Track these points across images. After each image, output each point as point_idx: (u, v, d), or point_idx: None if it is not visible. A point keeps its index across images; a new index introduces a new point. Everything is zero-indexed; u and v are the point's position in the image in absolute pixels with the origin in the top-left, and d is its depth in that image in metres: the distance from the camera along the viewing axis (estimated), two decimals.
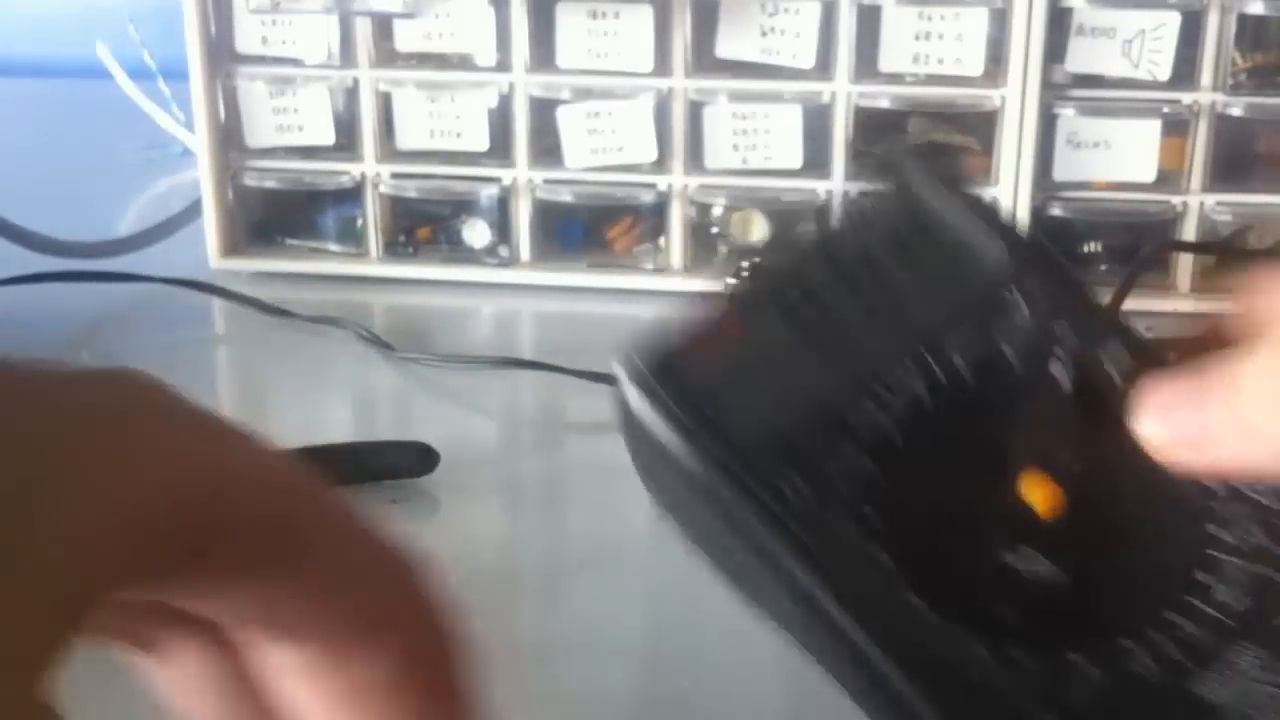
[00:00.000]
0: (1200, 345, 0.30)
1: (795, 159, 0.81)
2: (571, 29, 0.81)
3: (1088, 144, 0.79)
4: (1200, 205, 0.79)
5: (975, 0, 0.78)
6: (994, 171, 0.79)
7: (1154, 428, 0.26)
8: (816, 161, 0.81)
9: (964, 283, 0.29)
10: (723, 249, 0.85)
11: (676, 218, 0.83)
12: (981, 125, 0.80)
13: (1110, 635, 0.26)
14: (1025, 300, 0.29)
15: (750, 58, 0.81)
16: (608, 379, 0.71)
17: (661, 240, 0.84)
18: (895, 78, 0.80)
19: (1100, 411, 0.28)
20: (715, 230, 0.84)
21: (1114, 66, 0.78)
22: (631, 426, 0.30)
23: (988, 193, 0.80)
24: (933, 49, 0.79)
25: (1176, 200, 0.79)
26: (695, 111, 0.81)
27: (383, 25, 0.83)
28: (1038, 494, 0.26)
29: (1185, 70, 0.77)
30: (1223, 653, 0.26)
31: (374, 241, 0.86)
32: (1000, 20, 0.78)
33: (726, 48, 0.81)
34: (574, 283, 0.84)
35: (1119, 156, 0.79)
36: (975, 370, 0.28)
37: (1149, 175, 0.79)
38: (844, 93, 0.80)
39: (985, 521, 0.27)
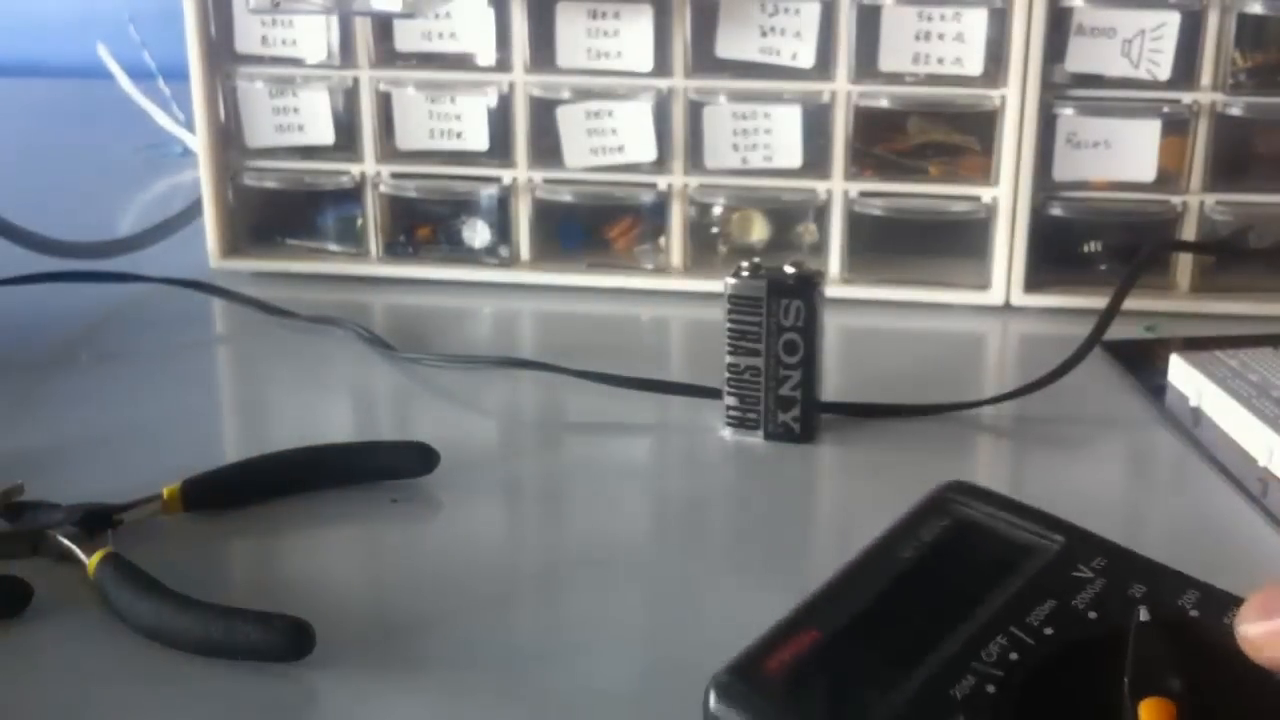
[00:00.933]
0: None
1: (795, 159, 0.81)
2: (571, 29, 0.81)
3: (1088, 144, 0.79)
4: (1200, 205, 0.79)
5: (975, 0, 0.78)
6: (994, 171, 0.79)
7: (1255, 627, 0.29)
8: (816, 161, 0.81)
9: (1031, 572, 0.33)
10: (723, 249, 0.84)
11: (676, 218, 0.83)
12: (981, 125, 0.80)
13: None
14: (1094, 571, 0.33)
15: (750, 58, 0.81)
16: (608, 379, 0.71)
17: (661, 240, 0.84)
18: (895, 78, 0.80)
19: (1194, 641, 0.31)
20: (715, 230, 0.84)
21: (1114, 66, 0.78)
22: None
23: (987, 193, 0.80)
24: (933, 49, 0.79)
25: (1176, 200, 0.79)
26: (695, 111, 0.81)
27: (383, 25, 0.83)
28: (1157, 714, 0.29)
29: (1185, 70, 0.77)
30: None
31: (374, 241, 0.86)
32: (1000, 20, 0.78)
33: (726, 48, 0.81)
34: (574, 283, 0.84)
35: (1119, 156, 0.79)
36: (1061, 630, 0.32)
37: (1149, 175, 0.79)
38: (844, 93, 0.80)
39: None
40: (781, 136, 0.81)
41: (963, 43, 0.78)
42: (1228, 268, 0.82)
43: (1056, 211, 0.80)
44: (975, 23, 0.78)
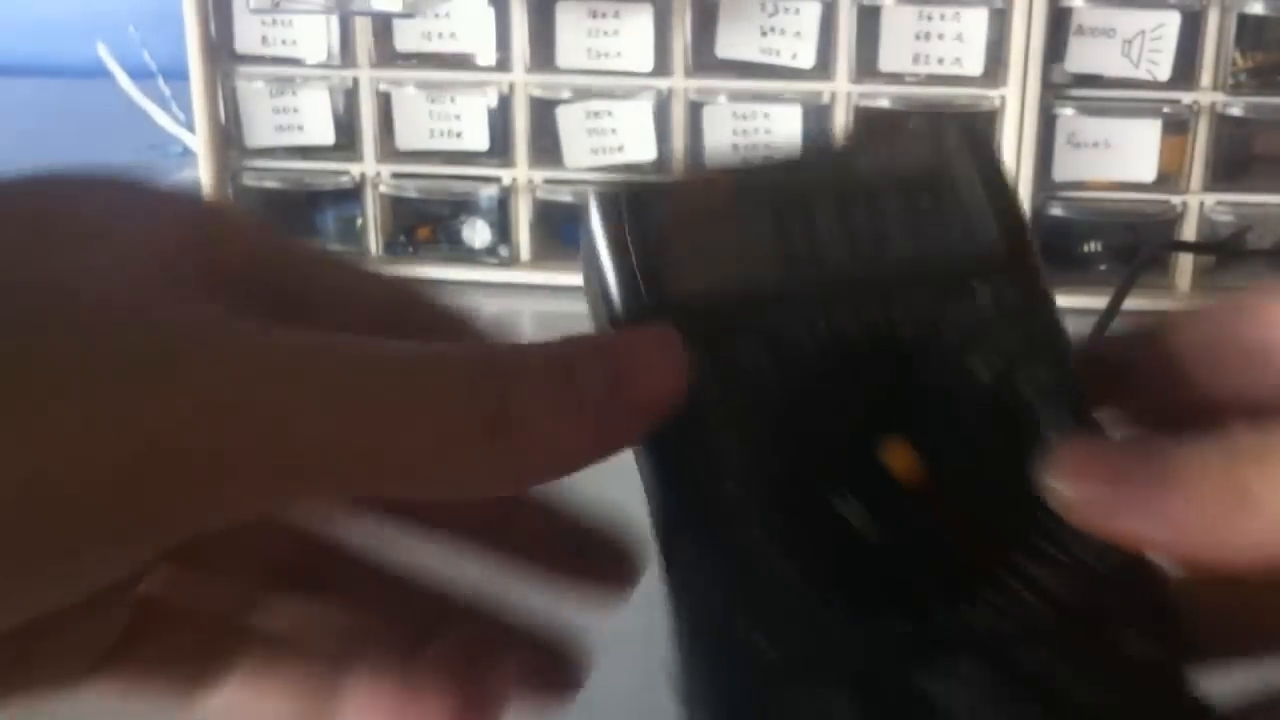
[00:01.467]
0: (1138, 353, 0.29)
1: None
2: (571, 29, 0.81)
3: (1088, 144, 0.79)
4: (1200, 205, 0.79)
5: (975, 0, 0.78)
6: None
7: (1066, 487, 0.25)
8: None
9: (945, 250, 0.29)
10: None
11: None
12: (981, 125, 0.80)
13: (902, 608, 0.26)
14: (990, 297, 0.28)
15: (750, 58, 0.81)
16: None
17: None
18: (895, 78, 0.80)
19: (1001, 425, 0.27)
20: None
21: (1114, 66, 0.78)
22: (587, 247, 0.29)
23: None
24: (933, 49, 0.79)
25: (1176, 200, 0.79)
26: (695, 111, 0.81)
27: (383, 25, 0.83)
28: (900, 462, 0.27)
29: (1185, 70, 0.77)
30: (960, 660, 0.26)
31: (374, 241, 0.86)
32: (1000, 20, 0.78)
33: (726, 48, 0.81)
34: (574, 283, 0.83)
35: (1119, 156, 0.79)
36: (905, 329, 0.28)
37: (1149, 175, 0.79)
38: (844, 93, 0.80)
39: (837, 464, 0.27)
40: (781, 136, 0.81)
41: (963, 43, 0.78)
42: (1228, 268, 0.82)
43: (1056, 212, 0.80)
44: (975, 23, 0.78)
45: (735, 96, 0.81)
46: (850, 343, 0.27)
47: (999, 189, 0.29)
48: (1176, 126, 0.78)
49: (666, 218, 0.28)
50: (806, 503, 0.26)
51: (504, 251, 0.85)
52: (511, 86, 0.82)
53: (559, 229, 0.86)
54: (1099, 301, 0.71)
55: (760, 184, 0.29)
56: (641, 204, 0.28)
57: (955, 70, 0.79)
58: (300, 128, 0.85)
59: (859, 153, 0.30)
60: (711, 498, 0.26)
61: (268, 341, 0.21)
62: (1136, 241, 0.79)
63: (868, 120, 0.79)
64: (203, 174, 0.86)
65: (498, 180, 0.84)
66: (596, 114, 0.82)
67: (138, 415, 0.19)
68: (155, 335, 0.20)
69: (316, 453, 0.21)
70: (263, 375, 0.21)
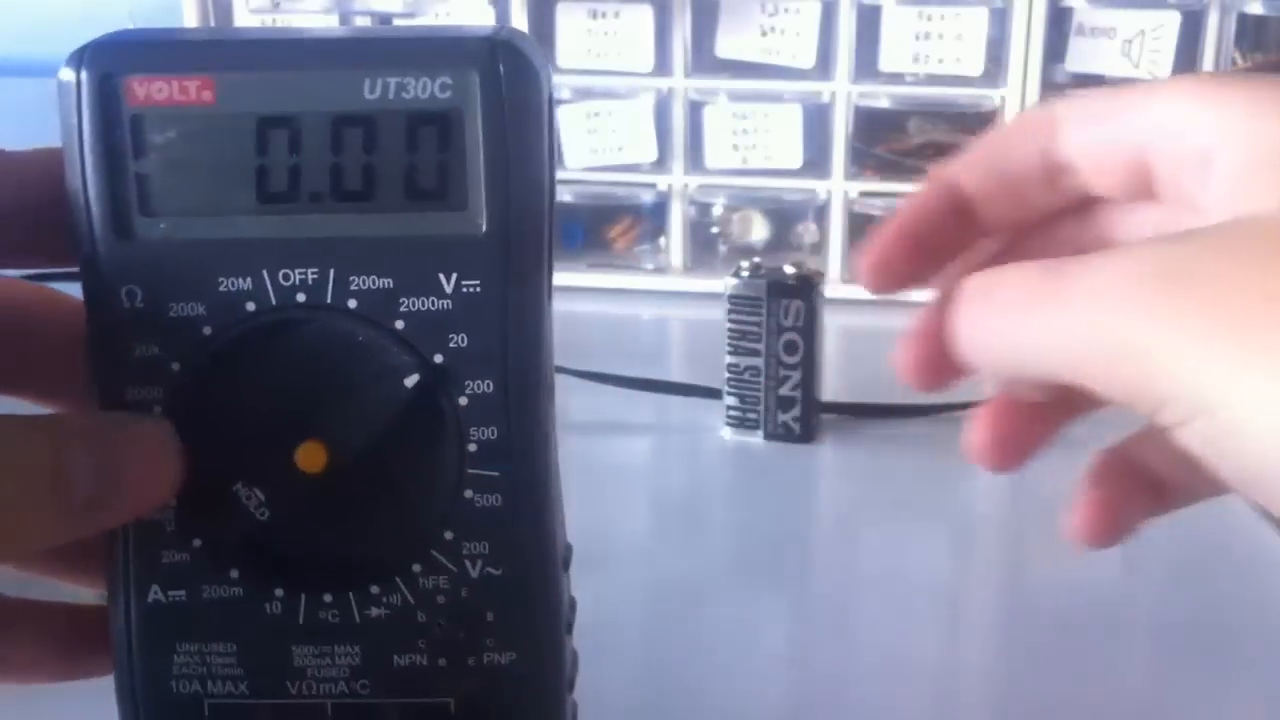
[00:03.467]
0: None
1: (795, 159, 0.81)
2: (571, 29, 0.81)
3: None
4: None
5: (975, 0, 0.78)
6: None
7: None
8: (816, 161, 0.81)
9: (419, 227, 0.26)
10: (723, 249, 0.84)
11: (676, 218, 0.83)
12: (981, 125, 0.80)
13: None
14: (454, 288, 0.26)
15: (750, 58, 0.81)
16: (608, 379, 0.71)
17: (661, 240, 0.84)
18: (895, 78, 0.80)
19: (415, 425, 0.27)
20: (715, 230, 0.84)
21: (1114, 66, 0.78)
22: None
23: None
24: (933, 49, 0.79)
25: None
26: (695, 111, 0.81)
27: (383, 25, 0.83)
28: (309, 457, 0.27)
29: (1185, 70, 0.77)
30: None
31: None
32: (1000, 20, 0.78)
33: (726, 48, 0.81)
34: (574, 283, 0.84)
35: None
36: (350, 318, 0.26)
37: None
38: (844, 93, 0.80)
39: (250, 457, 0.27)
40: (781, 136, 0.81)
41: (963, 43, 0.78)
42: None
43: None
44: (975, 23, 0.78)
45: (735, 96, 0.81)
46: (291, 327, 0.26)
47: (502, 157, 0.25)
48: None
49: (139, 113, 0.26)
50: (213, 488, 0.27)
51: None
52: None
53: (558, 229, 0.86)
54: None
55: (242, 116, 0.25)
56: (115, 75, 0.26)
57: (955, 70, 0.79)
58: None
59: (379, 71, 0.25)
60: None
61: None
62: None
63: None
64: None
65: None
66: (596, 114, 0.82)
67: None
68: None
69: None
70: None
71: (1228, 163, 0.24)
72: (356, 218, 0.26)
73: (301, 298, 0.26)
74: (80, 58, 0.27)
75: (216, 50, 0.27)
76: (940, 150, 0.82)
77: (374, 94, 0.25)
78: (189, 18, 0.83)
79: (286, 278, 0.26)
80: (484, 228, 0.26)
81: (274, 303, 0.26)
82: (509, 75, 0.25)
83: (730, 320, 0.62)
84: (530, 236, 0.26)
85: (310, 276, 0.26)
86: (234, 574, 0.27)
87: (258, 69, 0.25)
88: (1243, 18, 0.77)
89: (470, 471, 0.27)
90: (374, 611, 0.27)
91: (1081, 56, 0.78)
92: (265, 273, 0.26)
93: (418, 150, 0.25)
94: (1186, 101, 0.26)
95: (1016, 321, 0.24)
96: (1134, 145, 0.27)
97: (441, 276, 0.26)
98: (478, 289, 0.26)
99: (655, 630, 0.50)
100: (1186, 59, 0.77)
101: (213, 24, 0.83)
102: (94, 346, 0.26)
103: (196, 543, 0.27)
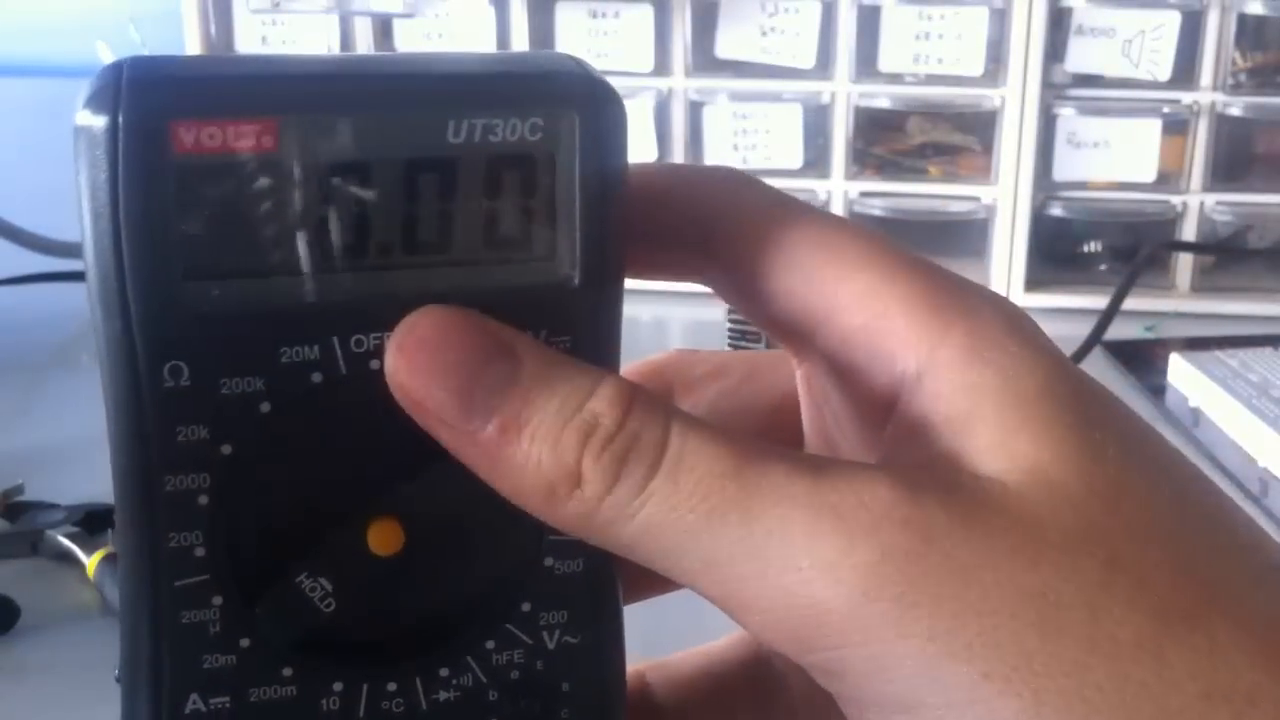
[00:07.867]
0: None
1: (795, 159, 0.81)
2: (571, 29, 0.81)
3: (1088, 144, 0.79)
4: (1200, 205, 0.79)
5: (975, 0, 0.78)
6: (994, 171, 0.79)
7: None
8: (816, 161, 0.81)
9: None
10: None
11: None
12: (981, 125, 0.80)
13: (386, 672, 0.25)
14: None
15: (750, 58, 0.81)
16: None
17: None
18: (895, 78, 0.80)
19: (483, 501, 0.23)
20: None
21: (1114, 66, 0.78)
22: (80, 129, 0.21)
23: (987, 193, 0.80)
24: (933, 49, 0.79)
25: (1176, 200, 0.79)
26: (695, 111, 0.81)
27: (383, 25, 0.83)
28: (381, 537, 0.24)
29: (1185, 70, 0.77)
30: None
31: None
32: (1000, 20, 0.78)
33: (726, 48, 0.81)
34: None
35: (1119, 156, 0.79)
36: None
37: (1149, 175, 0.79)
38: (844, 93, 0.80)
39: (314, 539, 0.24)
40: (781, 136, 0.81)
41: (963, 43, 0.78)
42: (1228, 268, 0.82)
43: (1056, 211, 0.80)
44: (975, 23, 0.78)
45: (735, 96, 0.81)
46: (361, 393, 0.23)
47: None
48: (1176, 126, 0.78)
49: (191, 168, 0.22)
50: (272, 582, 0.24)
51: None
52: None
53: None
54: (1099, 301, 0.71)
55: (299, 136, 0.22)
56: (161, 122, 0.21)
57: (955, 70, 0.79)
58: None
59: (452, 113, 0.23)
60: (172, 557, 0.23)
61: None
62: (1136, 241, 0.79)
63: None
64: None
65: None
66: None
67: None
68: None
69: None
70: None
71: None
72: (435, 271, 0.23)
73: (375, 365, 0.23)
74: (113, 98, 0.21)
75: (278, 87, 0.23)
76: (940, 150, 0.82)
77: (458, 138, 0.22)
78: (189, 18, 0.83)
79: (360, 344, 0.23)
80: (577, 279, 0.23)
81: (343, 372, 0.23)
82: (606, 116, 0.23)
83: (730, 320, 0.62)
84: (619, 286, 0.24)
85: (386, 341, 0.22)
86: (287, 672, 0.24)
87: (328, 110, 0.22)
88: (1243, 18, 0.77)
89: (551, 538, 0.25)
90: (442, 695, 0.25)
91: (1081, 56, 0.78)
92: (336, 339, 0.23)
93: (500, 196, 0.23)
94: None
95: None
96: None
97: (530, 333, 0.23)
98: (568, 345, 0.23)
99: (655, 630, 0.50)
100: (1186, 59, 0.77)
101: (213, 24, 0.83)
102: (125, 432, 0.24)
103: (245, 642, 0.24)
